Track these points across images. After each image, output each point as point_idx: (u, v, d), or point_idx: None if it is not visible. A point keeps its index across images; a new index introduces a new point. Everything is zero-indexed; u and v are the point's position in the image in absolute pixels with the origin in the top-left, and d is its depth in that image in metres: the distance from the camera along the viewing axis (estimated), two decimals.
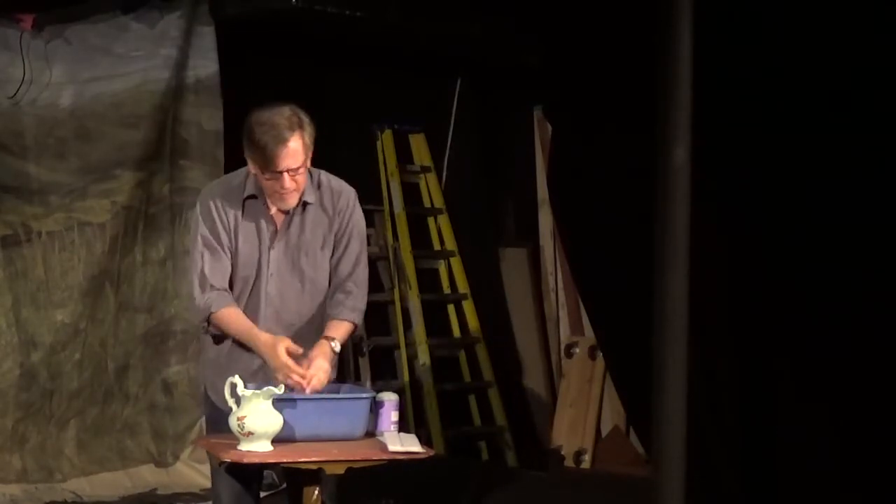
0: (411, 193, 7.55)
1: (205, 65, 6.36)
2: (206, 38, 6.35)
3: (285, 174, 3.81)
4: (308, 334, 4.00)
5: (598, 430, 7.47)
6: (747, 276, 5.17)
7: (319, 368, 3.86)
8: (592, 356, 7.49)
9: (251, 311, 3.98)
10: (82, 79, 6.12)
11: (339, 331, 3.98)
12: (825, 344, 4.88)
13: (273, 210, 3.96)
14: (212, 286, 3.93)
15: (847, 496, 4.85)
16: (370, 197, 7.15)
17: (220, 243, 3.95)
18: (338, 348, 3.95)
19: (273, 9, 6.30)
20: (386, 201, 7.40)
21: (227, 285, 3.97)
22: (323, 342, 3.93)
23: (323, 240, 4.01)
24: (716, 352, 5.16)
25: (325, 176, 4.03)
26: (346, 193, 4.04)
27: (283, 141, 3.78)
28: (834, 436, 4.88)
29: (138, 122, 6.23)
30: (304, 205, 3.96)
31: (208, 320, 3.96)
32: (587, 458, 7.38)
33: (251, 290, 3.99)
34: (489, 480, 6.59)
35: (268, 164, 3.80)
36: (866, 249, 4.75)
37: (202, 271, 3.94)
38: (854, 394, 4.80)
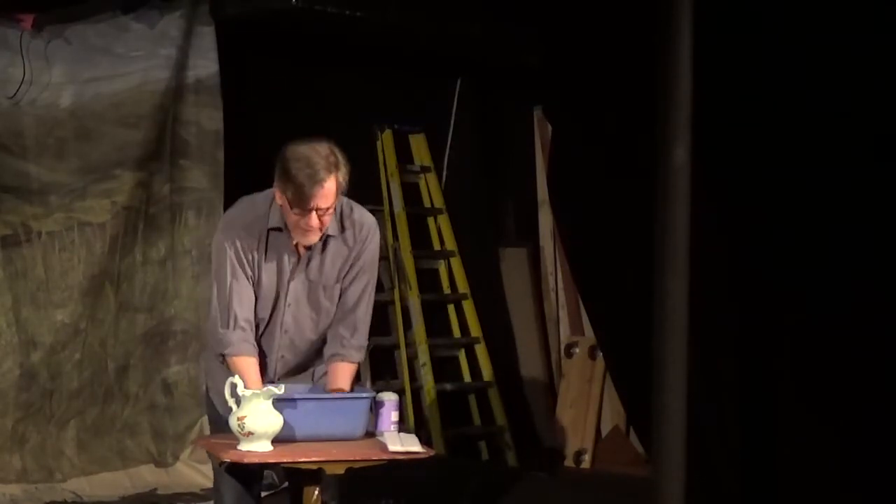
0: (411, 193, 7.54)
1: (205, 65, 6.36)
2: (206, 38, 6.35)
3: (314, 213, 3.76)
4: (315, 356, 4.07)
5: (598, 430, 7.47)
6: (747, 275, 5.17)
7: None
8: (592, 356, 7.49)
9: (267, 339, 3.99)
10: (82, 79, 6.12)
11: (347, 378, 3.98)
12: (825, 344, 4.88)
13: (296, 241, 3.93)
14: (236, 322, 3.90)
15: (847, 496, 4.85)
16: (370, 197, 7.14)
17: (245, 273, 3.91)
18: None
19: (273, 9, 6.30)
20: (386, 201, 7.40)
21: (252, 318, 3.93)
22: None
23: (339, 272, 3.99)
24: (716, 352, 5.15)
25: (349, 207, 3.99)
26: (367, 226, 4.02)
27: (319, 181, 3.72)
28: (834, 436, 4.87)
29: (138, 122, 6.23)
30: (326, 238, 3.93)
31: (223, 355, 3.94)
32: (587, 458, 7.38)
33: (269, 319, 3.98)
34: (489, 480, 6.59)
35: (299, 201, 3.75)
36: (866, 249, 4.75)
37: (230, 304, 3.90)
38: (854, 394, 4.80)
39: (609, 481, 6.95)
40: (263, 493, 4.49)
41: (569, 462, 7.40)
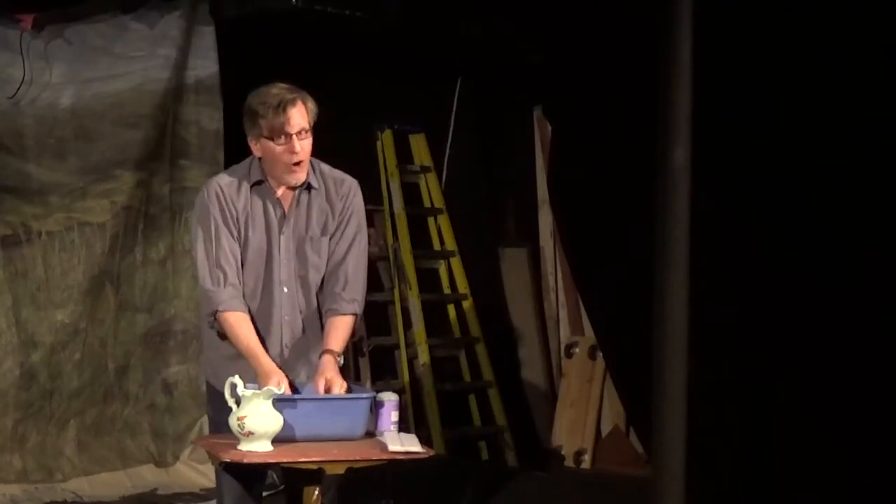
0: (411, 193, 7.55)
1: (205, 65, 6.36)
2: (206, 38, 6.35)
3: (295, 136, 3.87)
4: (313, 319, 4.05)
5: (598, 430, 7.47)
6: (747, 275, 5.17)
7: (331, 381, 3.87)
8: (592, 356, 7.49)
9: (267, 299, 4.00)
10: (82, 79, 6.11)
11: (339, 336, 3.98)
12: (826, 343, 4.88)
13: (280, 192, 3.99)
14: (226, 278, 3.94)
15: (847, 496, 4.85)
16: (370, 197, 7.11)
17: (230, 232, 3.96)
18: (342, 361, 3.97)
19: (273, 9, 6.30)
20: (386, 201, 7.40)
21: (238, 279, 3.97)
22: (327, 361, 3.93)
23: (325, 227, 4.04)
24: (716, 352, 5.16)
25: (326, 166, 4.09)
26: (349, 182, 4.10)
27: (289, 101, 3.88)
28: (834, 436, 4.88)
29: (138, 122, 6.22)
30: (308, 189, 4.00)
31: (215, 315, 3.96)
32: (587, 458, 7.38)
33: (265, 277, 4.01)
34: (489, 480, 6.60)
35: (278, 127, 3.86)
36: (867, 249, 4.75)
37: (217, 261, 3.94)
38: (854, 393, 4.80)
39: (609, 481, 6.96)
40: (263, 493, 4.48)
41: (569, 462, 7.40)
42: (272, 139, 3.89)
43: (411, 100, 7.48)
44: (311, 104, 3.95)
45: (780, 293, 5.06)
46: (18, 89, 5.95)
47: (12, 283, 6.02)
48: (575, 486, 6.96)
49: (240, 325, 3.92)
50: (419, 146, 7.61)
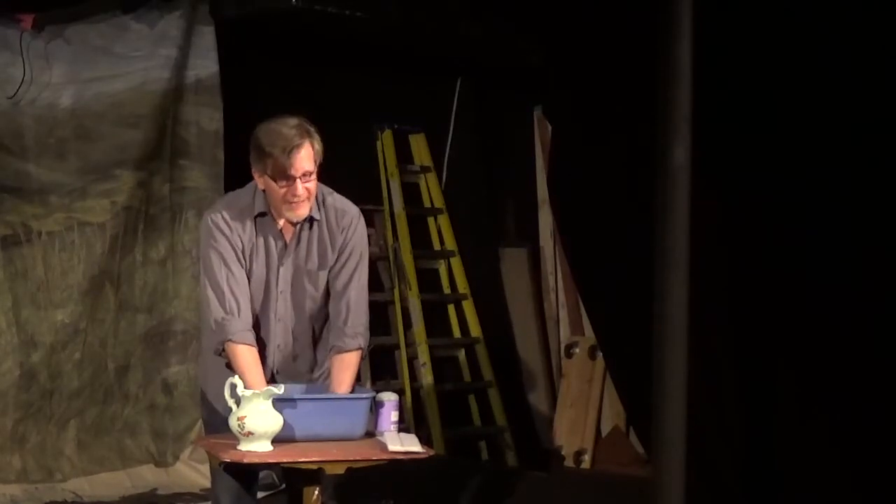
0: (411, 193, 7.54)
1: (205, 65, 6.36)
2: (206, 38, 6.35)
3: (298, 181, 3.83)
4: (305, 348, 4.07)
5: (598, 430, 7.47)
6: (747, 275, 5.17)
7: None
8: (592, 356, 7.49)
9: (264, 327, 4.00)
10: (82, 79, 6.12)
11: (345, 377, 3.95)
12: (826, 343, 4.87)
13: (281, 225, 3.97)
14: (239, 308, 3.91)
15: (847, 496, 4.85)
16: (370, 197, 7.15)
17: (239, 262, 3.94)
18: None
19: (273, 9, 6.30)
20: (386, 201, 7.40)
21: (248, 307, 3.94)
22: None
23: (325, 258, 4.01)
24: (716, 352, 5.15)
25: (329, 195, 4.05)
26: (350, 213, 4.06)
27: (296, 145, 3.83)
28: (835, 435, 4.87)
29: (138, 122, 6.23)
30: (311, 221, 3.97)
31: (223, 344, 3.92)
32: (587, 458, 7.38)
33: (262, 307, 4.00)
34: (489, 480, 6.59)
35: (282, 171, 3.82)
36: (867, 248, 4.75)
37: (231, 290, 3.91)
38: (855, 393, 4.80)
39: (609, 481, 6.95)
40: (263, 494, 4.49)
41: (569, 462, 7.40)
42: (275, 180, 3.86)
43: (411, 100, 7.48)
44: (318, 145, 3.90)
45: (780, 293, 5.06)
46: (18, 89, 5.95)
47: (12, 283, 6.02)
48: (575, 486, 6.96)
49: (245, 357, 3.87)
50: (419, 146, 7.61)
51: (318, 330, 4.10)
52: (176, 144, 6.34)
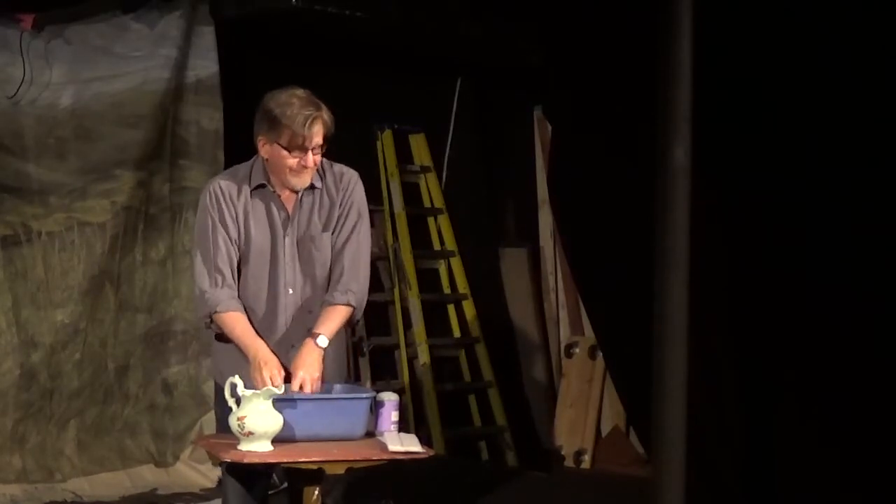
0: (411, 193, 7.55)
1: (205, 65, 6.36)
2: (206, 38, 6.35)
3: (310, 151, 3.87)
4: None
5: (598, 430, 7.47)
6: (747, 275, 5.17)
7: (304, 379, 3.84)
8: (592, 356, 7.49)
9: (272, 302, 3.99)
10: (82, 79, 6.12)
11: (327, 322, 3.95)
12: (826, 343, 4.88)
13: (284, 194, 3.99)
14: (224, 280, 3.94)
15: (847, 496, 4.85)
16: (370, 197, 7.09)
17: (228, 234, 3.96)
18: (324, 343, 3.91)
19: (273, 9, 6.30)
20: (386, 201, 7.40)
21: (234, 280, 3.97)
22: (307, 344, 3.90)
23: (327, 222, 4.03)
24: (716, 351, 5.15)
25: (326, 162, 4.07)
26: (349, 175, 4.09)
27: (312, 118, 3.86)
28: (835, 436, 4.87)
29: (138, 122, 6.23)
30: (311, 188, 3.99)
31: (211, 317, 3.96)
32: (587, 458, 7.38)
33: (269, 279, 4.00)
34: (489, 480, 6.60)
35: (298, 142, 3.85)
36: (867, 248, 4.75)
37: (215, 263, 3.94)
38: (855, 393, 4.80)
39: (609, 481, 6.96)
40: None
41: (569, 462, 7.40)
42: (288, 150, 3.87)
43: (411, 100, 7.48)
44: (328, 116, 3.92)
45: (780, 293, 5.06)
46: (18, 89, 5.95)
47: (12, 283, 6.02)
48: (575, 486, 6.96)
49: (236, 321, 3.92)
50: (419, 146, 7.62)
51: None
52: (176, 144, 6.34)
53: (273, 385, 3.75)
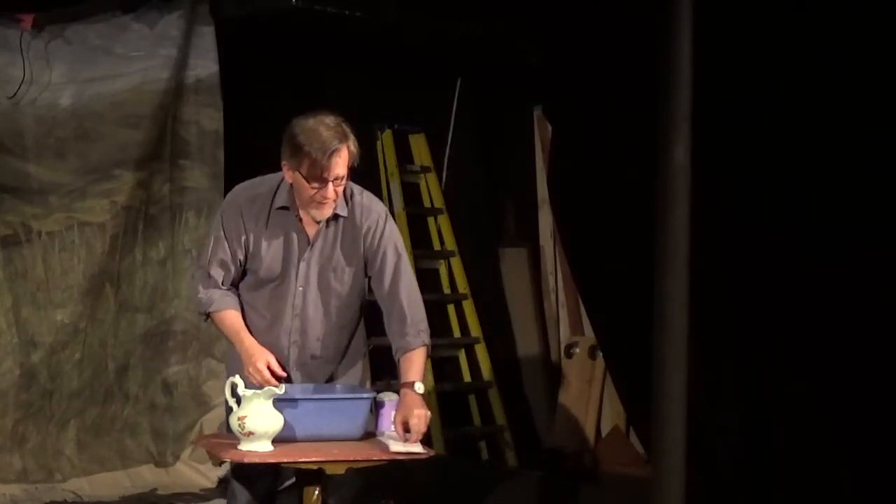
0: (411, 193, 7.55)
1: (205, 65, 6.36)
2: (206, 38, 6.35)
3: (330, 184, 3.78)
4: (333, 350, 4.05)
5: (598, 430, 7.47)
6: (748, 275, 5.17)
7: (417, 428, 3.86)
8: (592, 356, 7.49)
9: (276, 321, 3.98)
10: (82, 79, 6.12)
11: (414, 368, 3.95)
12: (826, 343, 4.87)
13: (305, 219, 3.93)
14: (220, 282, 3.94)
15: (847, 496, 4.85)
16: None
17: (230, 248, 3.93)
18: (420, 389, 3.93)
19: (273, 9, 6.30)
20: (386, 201, 7.39)
21: (229, 283, 3.98)
22: (407, 394, 3.90)
23: (351, 256, 3.97)
24: (716, 352, 5.15)
25: (358, 193, 4.00)
26: (376, 210, 4.00)
27: (334, 150, 3.76)
28: (835, 435, 4.87)
29: (138, 122, 6.23)
30: (335, 217, 3.93)
31: (207, 315, 3.99)
32: (587, 458, 7.37)
33: (277, 301, 3.98)
34: (489, 480, 6.59)
35: (316, 174, 3.77)
36: (868, 248, 4.75)
37: (209, 271, 3.95)
38: (855, 394, 4.80)
39: (609, 481, 6.95)
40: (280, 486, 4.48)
41: (569, 462, 7.39)
42: (307, 180, 3.80)
43: (411, 100, 7.48)
44: (354, 146, 3.84)
45: (780, 293, 5.06)
46: (18, 89, 5.95)
47: (12, 283, 6.02)
48: (575, 486, 6.96)
49: (225, 319, 3.94)
50: (419, 146, 7.61)
51: (347, 337, 4.08)
52: (176, 144, 6.34)
53: (270, 371, 3.77)
